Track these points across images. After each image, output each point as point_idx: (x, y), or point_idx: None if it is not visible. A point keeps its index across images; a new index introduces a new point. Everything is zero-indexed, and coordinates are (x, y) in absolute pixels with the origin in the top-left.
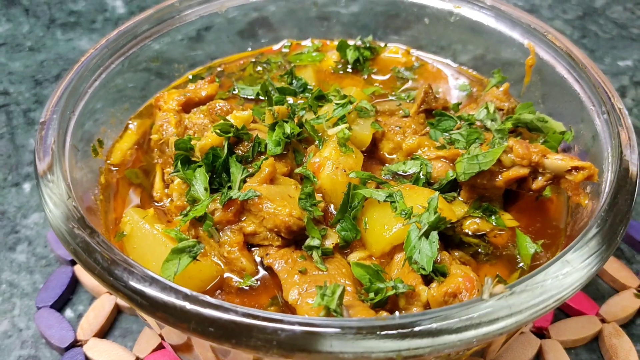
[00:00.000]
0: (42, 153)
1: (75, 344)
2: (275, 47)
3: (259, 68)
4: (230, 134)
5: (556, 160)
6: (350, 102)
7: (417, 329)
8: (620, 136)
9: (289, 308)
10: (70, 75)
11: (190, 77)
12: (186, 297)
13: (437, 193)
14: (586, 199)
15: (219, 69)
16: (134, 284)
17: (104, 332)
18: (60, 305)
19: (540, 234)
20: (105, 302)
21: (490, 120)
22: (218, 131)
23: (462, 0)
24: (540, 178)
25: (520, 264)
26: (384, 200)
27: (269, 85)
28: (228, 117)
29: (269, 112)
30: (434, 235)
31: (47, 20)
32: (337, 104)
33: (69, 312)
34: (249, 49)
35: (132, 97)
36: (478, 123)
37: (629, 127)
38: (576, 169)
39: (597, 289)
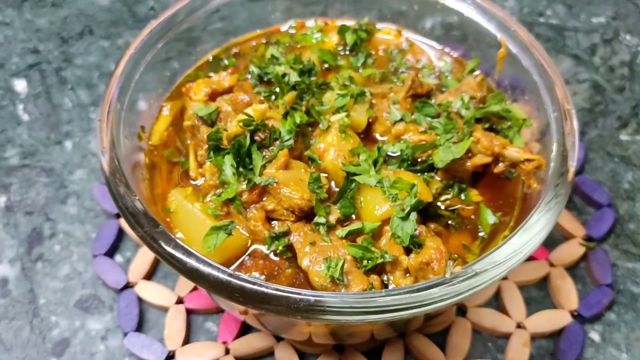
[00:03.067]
0: (103, 152)
1: (128, 285)
2: (283, 28)
3: (271, 53)
4: (252, 127)
5: (513, 152)
6: (350, 94)
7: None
8: (564, 134)
9: (302, 271)
10: (118, 75)
11: (211, 58)
12: (224, 272)
13: (416, 182)
14: (535, 183)
15: (234, 50)
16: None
17: (150, 275)
18: (111, 252)
19: (500, 204)
20: (148, 250)
21: (465, 109)
22: (241, 124)
23: None
24: (500, 164)
25: (482, 233)
26: (375, 185)
27: (281, 78)
28: (248, 110)
29: (281, 104)
30: (413, 215)
31: None
32: (338, 94)
33: (119, 258)
34: (257, 30)
35: (163, 82)
36: (454, 110)
37: (573, 128)
38: (528, 160)
39: (550, 237)
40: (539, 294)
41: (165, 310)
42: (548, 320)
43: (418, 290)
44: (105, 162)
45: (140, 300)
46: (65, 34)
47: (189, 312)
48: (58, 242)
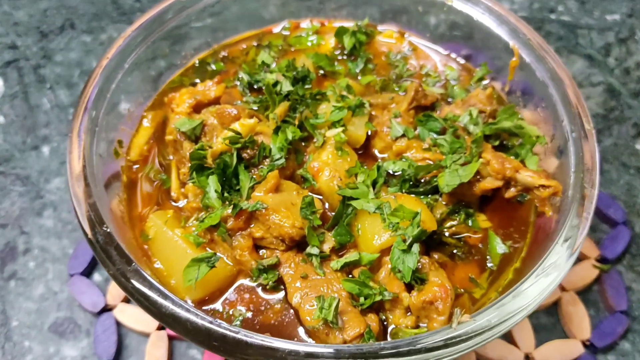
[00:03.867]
0: (73, 174)
1: (106, 308)
2: (276, 29)
3: (262, 59)
4: (239, 145)
5: (527, 177)
6: (348, 106)
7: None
8: (584, 159)
9: (292, 308)
10: (91, 88)
11: (197, 62)
12: (203, 319)
13: (420, 210)
14: (550, 211)
15: (223, 53)
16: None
17: None
18: (89, 271)
19: (510, 231)
20: None
21: (473, 125)
22: (227, 142)
23: None
24: (512, 189)
25: (490, 264)
26: (374, 212)
27: (272, 88)
28: (235, 125)
29: (272, 118)
30: (416, 247)
31: None
32: (334, 106)
33: (97, 276)
34: (249, 30)
35: (144, 90)
36: (461, 125)
37: (592, 151)
38: (543, 186)
39: None
40: (549, 321)
41: (146, 336)
42: (558, 351)
43: (420, 352)
44: (75, 187)
45: (119, 325)
46: (45, 28)
47: (172, 338)
48: (33, 259)
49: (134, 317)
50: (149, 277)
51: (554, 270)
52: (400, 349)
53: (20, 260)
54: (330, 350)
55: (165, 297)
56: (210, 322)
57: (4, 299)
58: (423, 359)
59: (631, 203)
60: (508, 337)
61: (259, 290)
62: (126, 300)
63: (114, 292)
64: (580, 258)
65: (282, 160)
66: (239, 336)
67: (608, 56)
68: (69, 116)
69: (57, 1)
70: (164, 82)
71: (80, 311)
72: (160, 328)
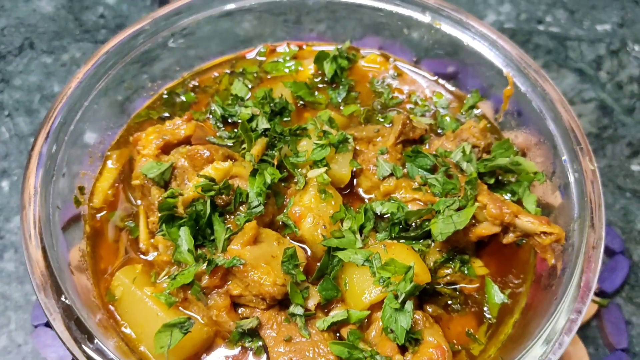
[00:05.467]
0: (27, 237)
1: None
2: (250, 54)
3: (235, 93)
4: (212, 193)
5: (527, 223)
6: (330, 143)
7: None
8: (590, 204)
9: None
10: (52, 120)
11: (166, 93)
12: None
13: (413, 263)
14: (552, 259)
15: (193, 82)
16: None
17: None
18: None
19: (509, 277)
20: None
21: (466, 162)
22: (199, 190)
23: (443, 17)
24: (510, 234)
25: (488, 315)
26: (362, 264)
27: (247, 124)
28: (208, 168)
29: (248, 161)
30: (409, 305)
31: None
32: (316, 143)
33: None
34: (222, 56)
35: (107, 128)
36: (454, 162)
37: (597, 195)
38: (545, 233)
39: None
40: None
41: None
42: None
43: None
44: (30, 249)
45: None
46: (2, 49)
47: None
48: None
49: None
50: (112, 356)
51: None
52: None
53: None
54: None
55: None
56: None
57: None
58: None
59: (628, 229)
60: None
61: (238, 354)
62: None
63: None
64: None
65: (261, 208)
66: None
67: (599, 70)
68: (30, 146)
69: (15, 19)
70: (131, 112)
71: None
72: None
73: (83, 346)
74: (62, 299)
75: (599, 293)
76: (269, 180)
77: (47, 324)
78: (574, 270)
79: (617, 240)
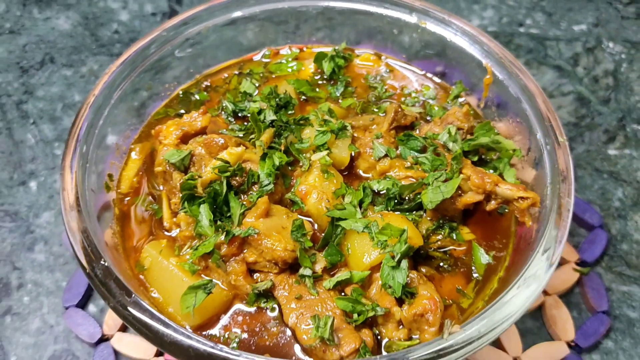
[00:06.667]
0: (68, 211)
1: (103, 338)
2: (256, 57)
3: (243, 90)
4: (228, 174)
5: (506, 190)
6: (331, 130)
7: None
8: (559, 169)
9: (289, 328)
10: (80, 124)
11: (181, 93)
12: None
13: (406, 228)
14: (530, 221)
15: (205, 83)
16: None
17: (126, 326)
18: (84, 302)
19: (493, 242)
20: None
21: (452, 142)
22: (217, 171)
23: (428, 16)
24: (492, 202)
25: (476, 274)
26: (362, 231)
27: (257, 116)
28: (223, 154)
29: (259, 146)
30: (404, 263)
31: None
32: (318, 130)
33: (92, 308)
34: (230, 59)
35: (131, 123)
36: (441, 143)
37: (566, 161)
38: (522, 198)
39: None
40: (534, 324)
41: None
42: (545, 353)
43: None
44: (70, 223)
45: (117, 354)
46: (25, 64)
47: None
48: (27, 293)
49: (131, 345)
50: (149, 307)
51: (535, 281)
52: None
53: (14, 295)
54: None
55: (167, 325)
56: (212, 347)
57: (1, 335)
58: None
59: (606, 207)
60: (496, 342)
61: (254, 312)
62: (123, 330)
63: (110, 322)
64: (561, 262)
65: (271, 186)
66: (240, 359)
67: (577, 66)
68: (55, 150)
69: (36, 36)
70: (149, 114)
71: (77, 343)
72: (157, 354)
73: (122, 300)
74: (102, 262)
75: (580, 263)
76: (277, 162)
77: (78, 305)
78: (547, 225)
79: (595, 215)
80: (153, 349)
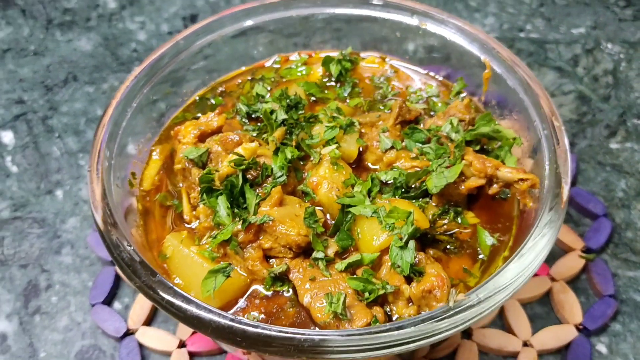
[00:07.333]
0: (96, 205)
1: (128, 332)
2: (267, 63)
3: (256, 92)
4: (243, 166)
5: (506, 173)
6: (339, 126)
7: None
8: (556, 152)
9: (304, 309)
10: (105, 123)
11: (197, 98)
12: (225, 317)
13: (412, 210)
14: (531, 202)
15: (220, 89)
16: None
17: (150, 320)
18: (109, 300)
19: (497, 225)
20: None
21: (454, 132)
22: (233, 164)
23: (428, 17)
24: (494, 185)
25: (481, 255)
26: (371, 216)
27: (269, 115)
28: (238, 149)
29: (271, 141)
30: (412, 243)
31: (45, 20)
32: (327, 126)
33: (117, 305)
34: (242, 67)
35: (152, 126)
36: (444, 134)
37: (563, 144)
38: (522, 179)
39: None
40: (543, 310)
41: (167, 355)
42: (554, 336)
43: (423, 322)
44: (98, 215)
45: (141, 347)
46: (50, 82)
47: (192, 355)
48: (55, 293)
49: (155, 338)
50: (172, 286)
51: (532, 252)
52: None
53: (43, 296)
54: (341, 334)
55: (189, 301)
56: (232, 320)
57: (31, 333)
58: (425, 330)
59: (610, 197)
60: (506, 327)
61: (270, 295)
62: (147, 324)
63: (135, 317)
64: (566, 250)
65: (284, 178)
66: (258, 330)
67: (577, 66)
68: (79, 161)
69: (59, 57)
70: (168, 120)
71: (103, 337)
72: (180, 346)
73: (147, 280)
74: (127, 246)
75: (586, 250)
76: (289, 156)
77: (104, 302)
78: (544, 205)
79: (599, 205)
80: (176, 341)
